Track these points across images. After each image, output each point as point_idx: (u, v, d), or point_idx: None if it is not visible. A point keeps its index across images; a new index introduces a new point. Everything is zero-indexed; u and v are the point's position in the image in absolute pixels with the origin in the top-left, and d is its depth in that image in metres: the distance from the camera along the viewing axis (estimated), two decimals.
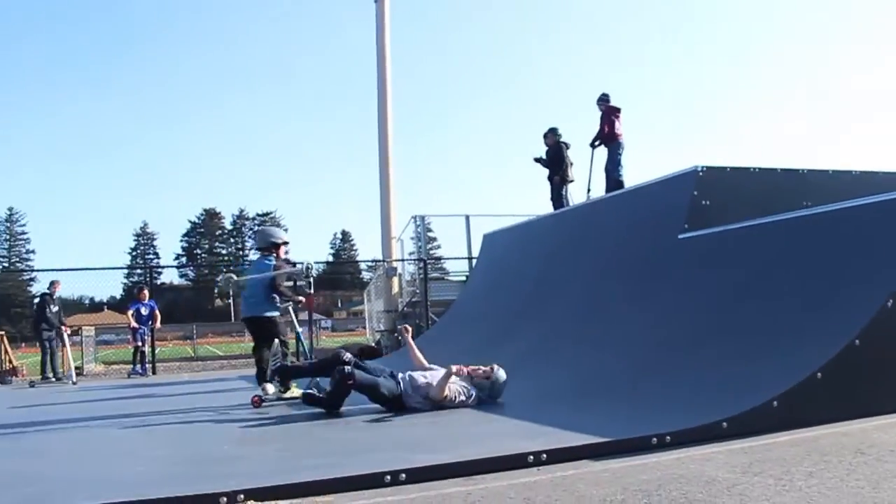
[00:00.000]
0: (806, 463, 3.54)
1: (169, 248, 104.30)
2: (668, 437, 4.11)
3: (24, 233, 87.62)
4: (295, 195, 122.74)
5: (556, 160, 12.37)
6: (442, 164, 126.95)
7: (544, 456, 3.86)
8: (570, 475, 3.58)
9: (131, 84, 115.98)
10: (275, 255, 7.76)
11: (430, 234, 17.47)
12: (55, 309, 13.45)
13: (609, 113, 11.41)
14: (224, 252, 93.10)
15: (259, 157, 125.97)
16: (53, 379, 12.92)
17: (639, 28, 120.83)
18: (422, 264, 15.48)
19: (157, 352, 15.69)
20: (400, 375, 6.25)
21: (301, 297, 8.08)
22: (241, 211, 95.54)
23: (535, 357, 7.87)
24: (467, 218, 16.05)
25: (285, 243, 7.95)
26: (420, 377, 6.24)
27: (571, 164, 12.40)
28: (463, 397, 6.15)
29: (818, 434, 4.20)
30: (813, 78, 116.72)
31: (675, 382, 5.51)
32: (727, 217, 7.01)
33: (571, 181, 12.37)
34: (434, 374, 6.27)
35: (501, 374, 6.32)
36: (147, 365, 14.37)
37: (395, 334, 8.10)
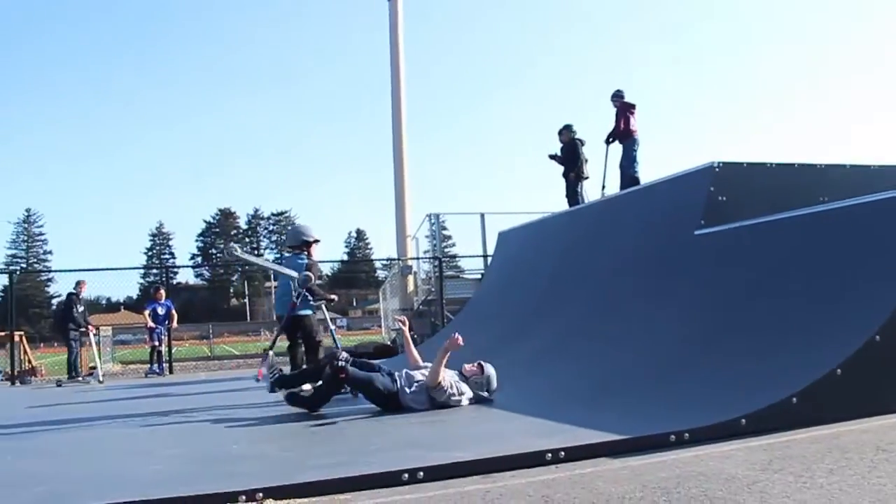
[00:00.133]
0: (827, 460, 3.51)
1: (184, 247, 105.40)
2: (687, 435, 4.09)
3: (41, 234, 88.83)
4: (310, 194, 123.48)
5: (570, 157, 12.37)
6: (456, 162, 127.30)
7: (562, 453, 3.85)
8: (588, 473, 3.56)
9: (134, 86, 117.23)
10: (307, 253, 7.73)
11: (444, 232, 17.45)
12: (81, 309, 13.58)
13: (624, 109, 11.40)
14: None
15: (274, 156, 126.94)
16: (80, 379, 13.06)
17: (647, 28, 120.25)
18: (437, 262, 15.53)
19: (173, 351, 15.84)
20: (397, 374, 6.21)
21: (334, 296, 7.90)
22: (256, 210, 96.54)
23: (550, 354, 7.85)
24: (482, 216, 16.07)
25: (317, 241, 7.88)
26: (417, 374, 6.22)
27: (586, 160, 12.38)
28: (456, 394, 6.09)
29: (838, 431, 4.15)
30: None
31: (693, 379, 5.47)
32: (744, 213, 6.94)
33: (586, 178, 12.37)
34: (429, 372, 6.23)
35: (490, 367, 6.32)
36: (164, 364, 14.51)
37: (412, 332, 8.03)
